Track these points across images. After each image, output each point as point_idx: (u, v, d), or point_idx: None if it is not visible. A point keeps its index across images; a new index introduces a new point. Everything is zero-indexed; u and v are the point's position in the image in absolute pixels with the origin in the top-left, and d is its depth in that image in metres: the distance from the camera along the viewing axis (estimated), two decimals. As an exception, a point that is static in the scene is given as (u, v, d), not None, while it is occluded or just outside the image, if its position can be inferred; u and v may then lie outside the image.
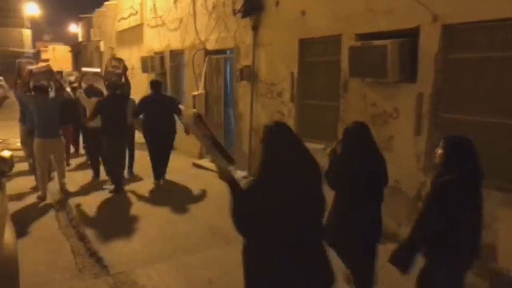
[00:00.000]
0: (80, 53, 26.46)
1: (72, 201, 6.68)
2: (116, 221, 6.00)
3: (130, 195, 7.09)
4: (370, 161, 3.49)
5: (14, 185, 7.06)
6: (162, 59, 11.47)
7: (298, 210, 2.48)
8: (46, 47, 52.53)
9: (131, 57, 14.43)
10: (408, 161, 5.09)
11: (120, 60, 7.50)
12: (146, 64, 11.72)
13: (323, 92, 6.58)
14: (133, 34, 14.02)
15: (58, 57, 41.27)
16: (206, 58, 9.34)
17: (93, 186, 7.54)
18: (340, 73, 6.00)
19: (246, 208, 2.46)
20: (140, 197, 7.00)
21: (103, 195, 7.04)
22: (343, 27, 5.92)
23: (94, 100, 7.29)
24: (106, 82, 7.52)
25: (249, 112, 7.93)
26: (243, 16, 7.73)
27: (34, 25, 49.30)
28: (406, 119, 5.13)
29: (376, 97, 5.50)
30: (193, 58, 9.66)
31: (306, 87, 6.83)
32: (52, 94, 7.12)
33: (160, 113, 7.22)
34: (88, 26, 22.58)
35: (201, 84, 9.52)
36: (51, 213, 6.25)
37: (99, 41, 19.30)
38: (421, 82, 4.94)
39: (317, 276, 2.55)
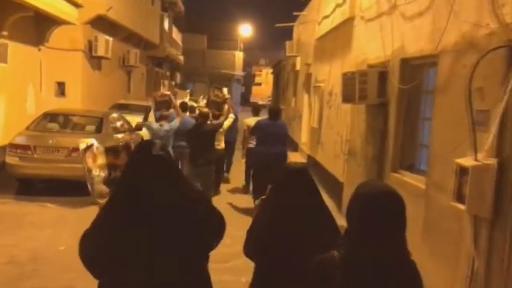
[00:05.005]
0: (280, 74, 22.84)
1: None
2: None
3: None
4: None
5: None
6: (382, 76, 5.81)
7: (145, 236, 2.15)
8: (261, 71, 54.79)
9: (330, 77, 9.19)
10: None
11: (221, 90, 8.84)
12: (351, 86, 6.14)
13: None
14: (337, 40, 8.78)
15: (269, 81, 43.01)
16: (516, 72, 3.31)
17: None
18: None
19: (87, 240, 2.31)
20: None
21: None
22: None
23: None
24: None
25: None
26: None
27: (251, 49, 50.50)
28: None
29: None
30: (472, 73, 3.69)
31: None
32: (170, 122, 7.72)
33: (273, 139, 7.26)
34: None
35: (490, 140, 3.49)
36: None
37: (295, 56, 14.78)
38: None
39: None
